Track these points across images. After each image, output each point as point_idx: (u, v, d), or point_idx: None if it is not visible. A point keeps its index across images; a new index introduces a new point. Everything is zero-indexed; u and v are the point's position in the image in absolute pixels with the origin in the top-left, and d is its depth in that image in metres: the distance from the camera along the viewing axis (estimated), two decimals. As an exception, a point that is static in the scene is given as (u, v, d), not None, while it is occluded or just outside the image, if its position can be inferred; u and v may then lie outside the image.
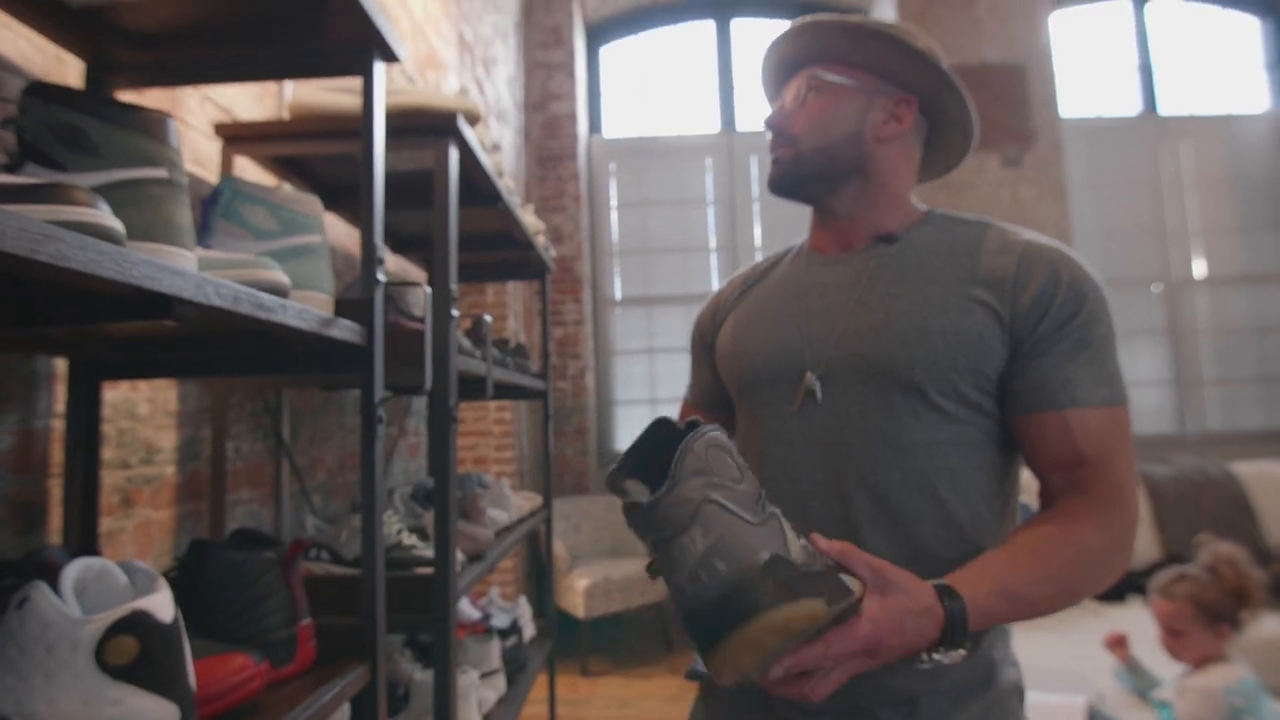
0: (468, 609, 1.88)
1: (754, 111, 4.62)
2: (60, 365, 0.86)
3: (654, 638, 3.71)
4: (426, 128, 1.12)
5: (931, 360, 0.71)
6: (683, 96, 4.73)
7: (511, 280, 2.27)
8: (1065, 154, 4.04)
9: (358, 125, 1.06)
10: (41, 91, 0.56)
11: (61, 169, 0.55)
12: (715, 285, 4.38)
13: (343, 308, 0.84)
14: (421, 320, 1.10)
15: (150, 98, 1.05)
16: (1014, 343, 0.71)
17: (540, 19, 4.21)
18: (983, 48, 4.01)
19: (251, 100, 1.30)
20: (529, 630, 1.96)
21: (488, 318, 1.18)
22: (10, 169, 0.55)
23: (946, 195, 3.88)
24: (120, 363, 0.86)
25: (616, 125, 4.75)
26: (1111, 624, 2.29)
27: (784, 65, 0.85)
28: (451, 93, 1.15)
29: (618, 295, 4.57)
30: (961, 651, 0.62)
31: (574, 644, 3.32)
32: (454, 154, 1.14)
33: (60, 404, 0.85)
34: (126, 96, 0.97)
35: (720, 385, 0.92)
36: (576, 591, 3.23)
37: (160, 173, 0.58)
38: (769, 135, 0.83)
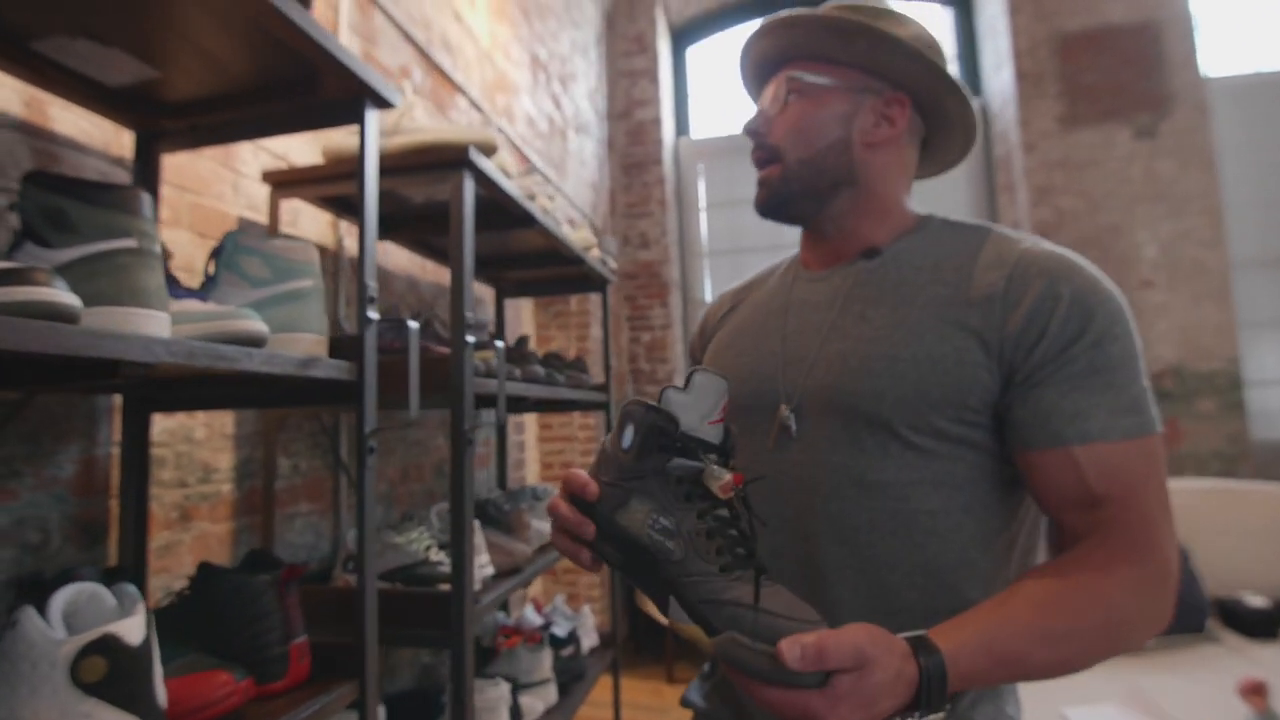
0: (531, 616, 1.95)
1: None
2: (117, 400, 0.99)
3: (745, 646, 3.65)
4: (443, 162, 1.17)
5: (899, 393, 0.65)
6: (772, 91, 4.61)
7: (573, 294, 2.30)
8: (1212, 118, 3.53)
9: (382, 164, 1.13)
10: (35, 178, 0.65)
11: (49, 246, 0.63)
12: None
13: (336, 345, 0.90)
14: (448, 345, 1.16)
15: (205, 154, 1.18)
16: (1006, 370, 0.63)
17: (623, 28, 4.26)
18: (1106, 8, 3.59)
19: (304, 145, 1.42)
20: (589, 640, 1.99)
21: (499, 343, 1.21)
22: (14, 247, 0.64)
23: (1064, 175, 3.52)
24: (164, 398, 0.97)
25: (705, 126, 4.71)
26: (1253, 666, 1.99)
27: (763, 64, 0.79)
28: (473, 125, 1.20)
29: (708, 297, 4.54)
30: (940, 715, 0.56)
31: (659, 650, 3.33)
32: (469, 184, 1.19)
33: (118, 434, 0.98)
34: (173, 159, 1.09)
35: None
36: (661, 597, 3.25)
37: (130, 243, 0.65)
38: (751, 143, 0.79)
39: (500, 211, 1.42)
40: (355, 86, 0.90)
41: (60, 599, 0.63)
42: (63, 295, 0.55)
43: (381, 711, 1.21)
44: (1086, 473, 0.61)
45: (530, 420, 3.37)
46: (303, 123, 0.96)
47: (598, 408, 2.07)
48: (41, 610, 0.62)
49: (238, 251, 0.85)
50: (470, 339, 1.15)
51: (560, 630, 1.85)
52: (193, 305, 0.73)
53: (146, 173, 1.00)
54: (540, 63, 2.97)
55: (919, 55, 0.70)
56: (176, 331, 0.69)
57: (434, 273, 1.91)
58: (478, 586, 1.21)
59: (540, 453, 3.52)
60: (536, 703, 1.56)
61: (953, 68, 0.74)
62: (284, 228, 1.34)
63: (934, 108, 0.76)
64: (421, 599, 1.13)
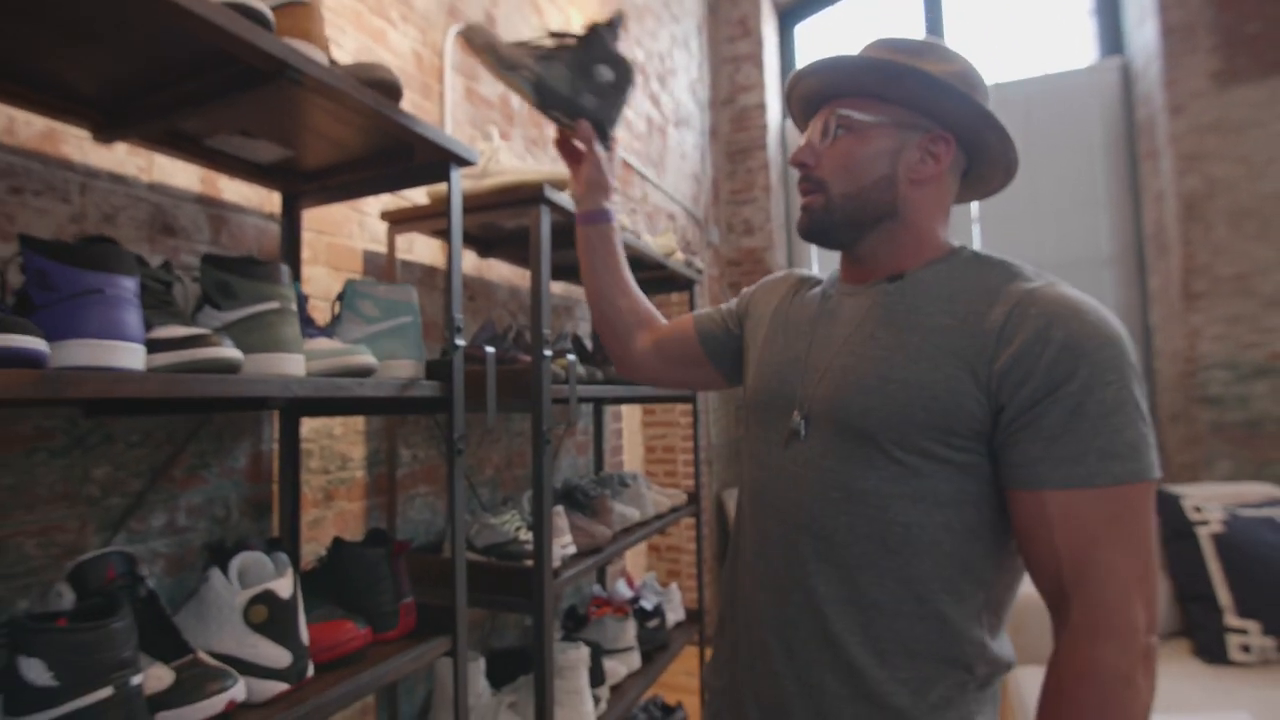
0: (623, 589, 2.15)
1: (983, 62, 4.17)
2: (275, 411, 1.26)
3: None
4: (521, 199, 1.35)
5: (887, 412, 0.69)
6: (884, 64, 4.43)
7: (662, 293, 2.44)
8: None
9: (478, 202, 1.33)
10: (210, 259, 0.88)
11: (219, 309, 0.87)
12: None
13: (431, 367, 1.10)
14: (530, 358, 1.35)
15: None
16: (994, 404, 0.66)
17: (726, 13, 4.27)
18: (1276, -57, 3.15)
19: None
20: (675, 614, 2.17)
21: (571, 356, 1.38)
22: (196, 309, 0.89)
23: (1218, 139, 3.16)
24: (309, 408, 1.23)
25: (812, 105, 4.62)
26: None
27: (811, 98, 0.82)
28: (545, 169, 1.36)
29: (815, 281, 4.51)
30: None
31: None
32: (545, 216, 1.36)
33: (277, 434, 1.25)
34: (311, 213, 1.35)
35: (725, 344, 1.00)
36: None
37: (275, 305, 0.87)
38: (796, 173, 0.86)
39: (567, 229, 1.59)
40: (441, 153, 1.09)
41: (236, 562, 0.88)
42: (230, 351, 0.78)
43: (481, 663, 1.45)
44: (1054, 520, 0.64)
45: (634, 409, 3.57)
46: (404, 182, 1.17)
47: (684, 400, 2.20)
48: (224, 570, 0.86)
49: (355, 296, 1.07)
50: (547, 351, 1.33)
51: (648, 604, 2.03)
52: (322, 344, 0.96)
53: (291, 224, 1.25)
54: (639, 64, 3.10)
55: (965, 97, 0.73)
56: (309, 367, 0.92)
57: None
58: (557, 563, 1.40)
59: (644, 438, 3.71)
60: (620, 666, 1.75)
61: (992, 106, 0.77)
62: (401, 254, 1.59)
63: (977, 145, 0.78)
64: (511, 572, 1.34)
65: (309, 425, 1.33)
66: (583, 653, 1.49)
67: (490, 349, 1.14)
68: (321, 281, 1.38)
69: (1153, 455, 0.64)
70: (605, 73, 0.98)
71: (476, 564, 1.39)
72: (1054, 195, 3.74)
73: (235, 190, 1.21)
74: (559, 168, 1.40)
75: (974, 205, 4.03)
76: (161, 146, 1.03)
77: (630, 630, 1.84)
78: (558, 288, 2.26)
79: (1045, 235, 3.77)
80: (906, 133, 0.76)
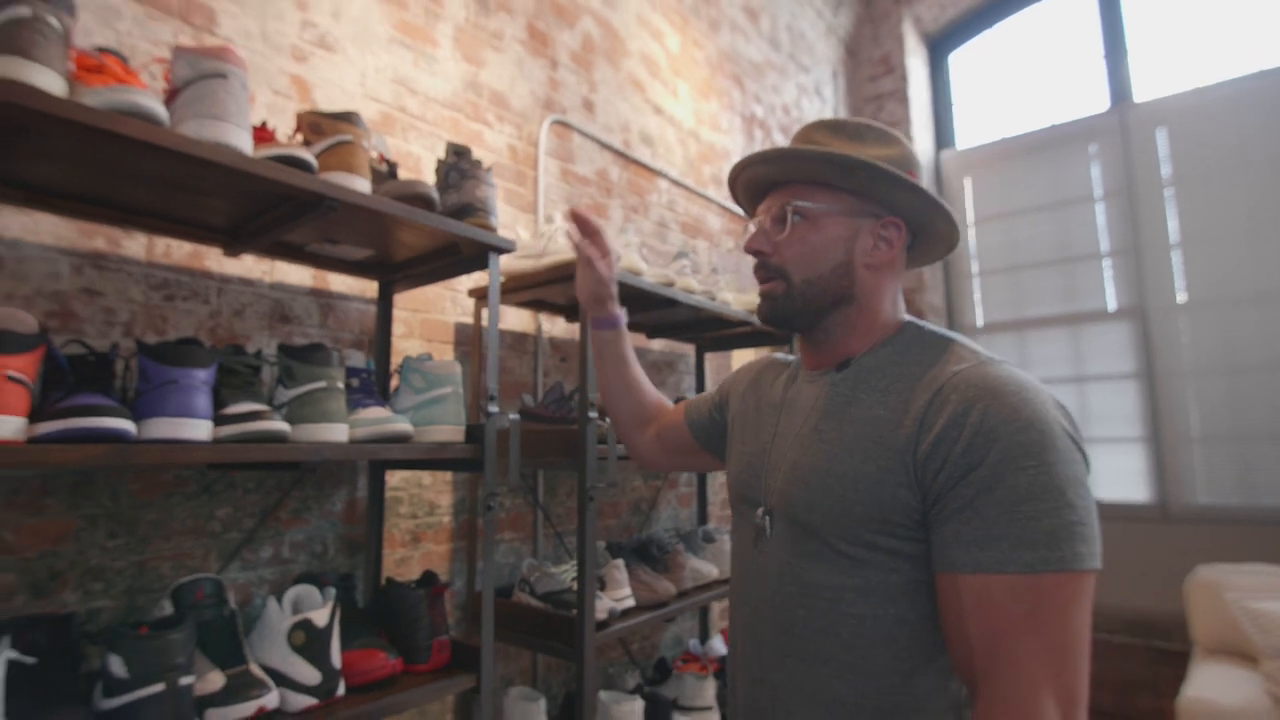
0: (718, 646, 2.14)
1: (1154, 77, 3.67)
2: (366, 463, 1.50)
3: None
4: (570, 275, 1.49)
5: (828, 506, 0.71)
6: (1054, 82, 4.04)
7: (754, 347, 2.44)
8: None
9: (537, 278, 1.50)
10: (282, 348, 1.12)
11: (286, 388, 1.09)
12: (1110, 299, 3.62)
13: (470, 431, 1.26)
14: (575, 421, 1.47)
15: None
16: (923, 492, 0.66)
17: (868, 53, 4.19)
18: None
19: (513, 260, 1.87)
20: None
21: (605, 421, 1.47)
22: (273, 387, 1.12)
23: None
24: (390, 463, 1.45)
25: (973, 134, 4.32)
26: None
27: (758, 185, 0.84)
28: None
29: (979, 322, 4.14)
30: None
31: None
32: (594, 289, 1.48)
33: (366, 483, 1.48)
34: (409, 295, 1.60)
35: (713, 431, 1.02)
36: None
37: (323, 384, 1.08)
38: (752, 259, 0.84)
39: (645, 297, 1.69)
40: (478, 246, 1.27)
41: (291, 594, 1.08)
42: (277, 424, 0.98)
43: (542, 703, 1.55)
44: (965, 604, 0.62)
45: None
46: (460, 270, 1.36)
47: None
48: (279, 600, 1.07)
49: (408, 371, 1.27)
50: (592, 414, 1.43)
51: (739, 663, 2.00)
52: (368, 413, 1.15)
53: (385, 307, 1.50)
54: (757, 120, 3.17)
55: (916, 188, 0.74)
56: (354, 433, 1.11)
57: (638, 341, 2.26)
58: (603, 615, 1.48)
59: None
60: (693, 725, 1.76)
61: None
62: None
63: (926, 227, 0.80)
64: (560, 620, 1.44)
65: (400, 475, 1.56)
66: (634, 706, 1.53)
67: (514, 415, 1.27)
68: (415, 353, 1.62)
69: (1079, 545, 0.60)
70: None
71: (532, 609, 1.51)
72: None
73: (341, 282, 1.49)
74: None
75: (1173, 228, 3.49)
76: (275, 255, 1.31)
77: (710, 689, 1.83)
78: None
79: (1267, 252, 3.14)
80: (859, 219, 0.77)
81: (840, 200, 0.77)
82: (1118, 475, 3.51)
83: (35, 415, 0.82)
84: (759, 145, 3.16)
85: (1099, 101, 3.84)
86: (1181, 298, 3.44)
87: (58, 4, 0.81)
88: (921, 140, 4.12)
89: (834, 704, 0.70)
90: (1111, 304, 3.69)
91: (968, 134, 4.30)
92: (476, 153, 1.83)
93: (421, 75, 1.70)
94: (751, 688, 0.79)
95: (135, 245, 1.19)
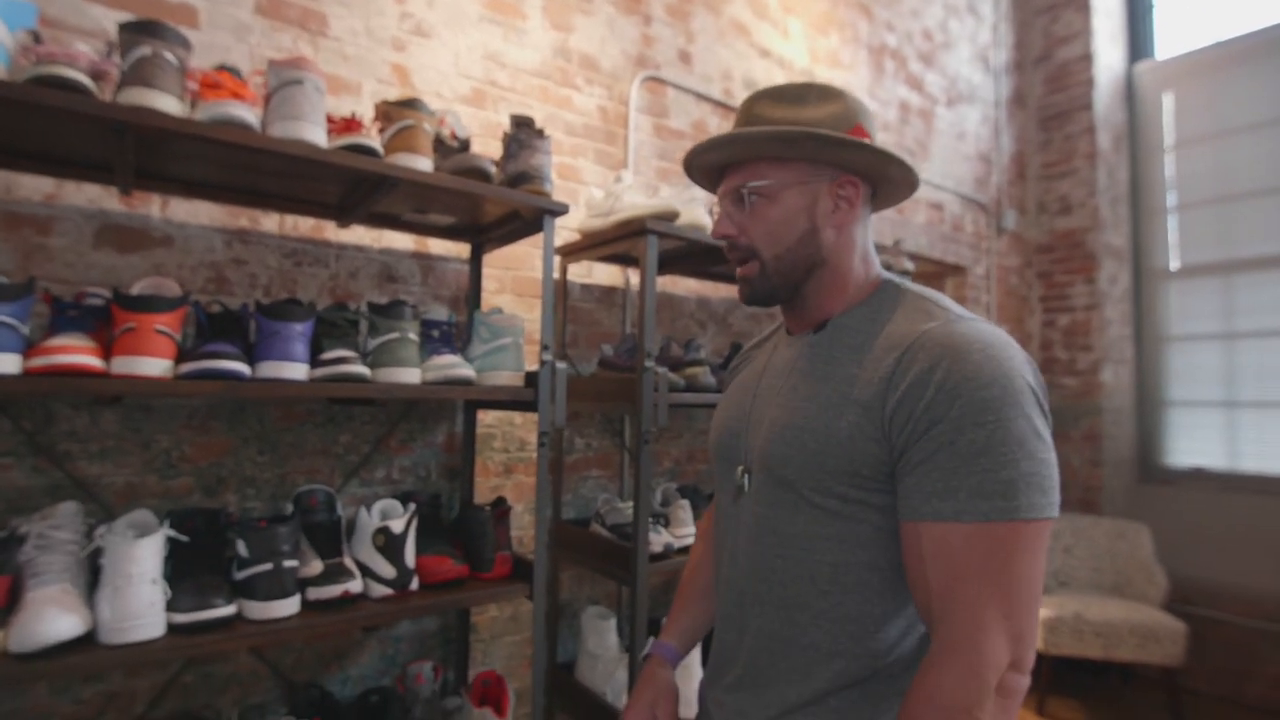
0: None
1: None
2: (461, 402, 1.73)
3: (1155, 710, 2.91)
4: (635, 231, 1.58)
5: (802, 460, 0.74)
6: (1295, -37, 3.26)
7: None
8: None
9: (605, 235, 1.62)
10: (372, 306, 1.34)
11: (372, 338, 1.32)
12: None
13: (529, 377, 1.42)
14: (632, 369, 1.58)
15: (523, 240, 1.85)
16: (891, 447, 0.69)
17: (1041, -43, 3.65)
18: None
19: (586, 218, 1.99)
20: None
21: (661, 368, 1.55)
22: (366, 339, 1.35)
23: None
24: (474, 403, 1.67)
25: (1175, 41, 3.64)
26: None
27: (713, 169, 0.86)
28: (656, 202, 1.57)
29: (1173, 264, 3.57)
30: None
31: (1034, 676, 2.98)
32: (653, 243, 1.56)
33: (461, 419, 1.72)
34: (500, 253, 1.78)
35: None
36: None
37: (397, 335, 1.29)
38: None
39: (706, 254, 1.73)
40: (536, 211, 1.40)
41: (378, 506, 1.33)
42: (357, 368, 1.21)
43: (613, 621, 1.73)
44: (925, 551, 0.66)
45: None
46: (526, 232, 1.51)
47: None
48: (369, 510, 1.32)
49: (477, 323, 1.45)
50: (649, 364, 1.53)
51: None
52: (439, 359, 1.35)
53: (476, 266, 1.70)
54: (888, 51, 2.94)
55: (862, 145, 0.75)
56: (426, 376, 1.31)
57: (726, 290, 2.30)
58: (659, 549, 1.60)
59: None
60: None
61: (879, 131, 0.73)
62: (582, 278, 1.95)
63: (880, 175, 0.81)
64: (621, 549, 1.59)
65: (493, 415, 1.78)
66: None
67: (562, 365, 1.40)
68: (509, 307, 1.81)
69: (1036, 495, 0.63)
70: None
71: (602, 539, 1.67)
72: None
73: (439, 245, 1.71)
74: (668, 201, 1.58)
75: None
76: (379, 225, 1.55)
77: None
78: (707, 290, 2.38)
79: None
80: (815, 184, 0.79)
81: (793, 170, 0.78)
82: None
83: (181, 358, 1.10)
84: (890, 79, 2.94)
85: (1360, -18, 3.05)
86: None
87: (174, 41, 1.04)
88: (1107, 54, 3.55)
89: (809, 648, 0.74)
90: (1354, 240, 3.01)
91: (1169, 41, 3.63)
92: (566, 116, 1.94)
93: (510, 48, 1.84)
94: (732, 634, 0.84)
95: (270, 222, 1.48)
